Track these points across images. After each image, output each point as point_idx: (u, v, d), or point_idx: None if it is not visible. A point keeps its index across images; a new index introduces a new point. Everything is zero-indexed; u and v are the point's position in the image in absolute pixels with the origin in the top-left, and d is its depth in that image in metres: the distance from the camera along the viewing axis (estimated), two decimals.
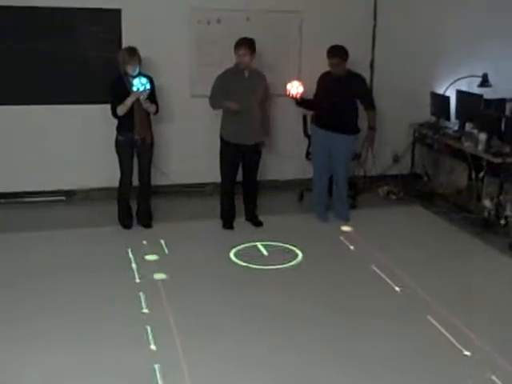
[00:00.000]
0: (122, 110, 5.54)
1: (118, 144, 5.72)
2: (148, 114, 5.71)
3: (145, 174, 5.87)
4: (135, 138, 5.64)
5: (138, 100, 5.53)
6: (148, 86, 5.52)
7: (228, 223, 6.00)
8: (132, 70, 5.54)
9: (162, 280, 4.87)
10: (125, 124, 5.63)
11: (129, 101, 5.51)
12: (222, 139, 5.88)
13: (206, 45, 6.64)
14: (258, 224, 6.06)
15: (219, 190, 6.11)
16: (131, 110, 5.56)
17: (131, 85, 5.52)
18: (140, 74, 5.58)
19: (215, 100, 5.80)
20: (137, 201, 5.94)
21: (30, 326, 4.16)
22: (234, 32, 6.56)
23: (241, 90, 5.72)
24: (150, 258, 5.29)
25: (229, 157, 5.85)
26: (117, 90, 5.60)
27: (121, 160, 5.76)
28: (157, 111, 5.78)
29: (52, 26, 6.21)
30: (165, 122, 6.46)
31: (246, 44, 5.61)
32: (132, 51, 5.56)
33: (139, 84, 5.50)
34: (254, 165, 6.02)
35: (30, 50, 6.18)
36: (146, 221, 5.92)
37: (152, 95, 5.66)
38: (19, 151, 6.37)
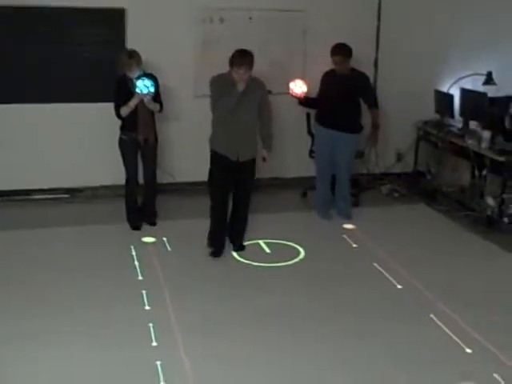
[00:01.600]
0: (125, 111, 5.52)
1: (121, 144, 5.71)
2: (152, 113, 5.68)
3: (149, 173, 5.85)
4: (138, 138, 5.63)
5: (141, 101, 5.48)
6: (152, 89, 5.42)
7: (216, 252, 5.33)
8: (131, 73, 5.49)
9: (165, 278, 4.89)
10: (128, 124, 5.60)
11: (132, 102, 5.47)
12: (212, 153, 5.30)
13: (210, 44, 6.65)
14: (240, 248, 5.50)
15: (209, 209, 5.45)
16: (135, 109, 5.53)
17: (134, 86, 5.45)
18: (144, 74, 5.52)
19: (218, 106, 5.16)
20: (142, 199, 5.94)
21: (33, 323, 4.20)
22: (237, 31, 6.61)
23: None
24: (153, 255, 5.31)
25: (220, 173, 5.26)
26: (120, 91, 5.57)
27: (125, 159, 5.74)
28: (161, 109, 5.75)
29: (56, 26, 6.24)
30: (169, 121, 6.47)
31: (248, 64, 4.97)
32: (130, 54, 5.50)
33: (142, 86, 5.39)
34: (246, 188, 5.34)
35: (35, 49, 6.22)
36: (151, 219, 5.92)
37: (156, 94, 5.61)
38: (24, 149, 6.40)
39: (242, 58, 4.97)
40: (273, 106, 6.85)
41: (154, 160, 5.86)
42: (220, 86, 5.13)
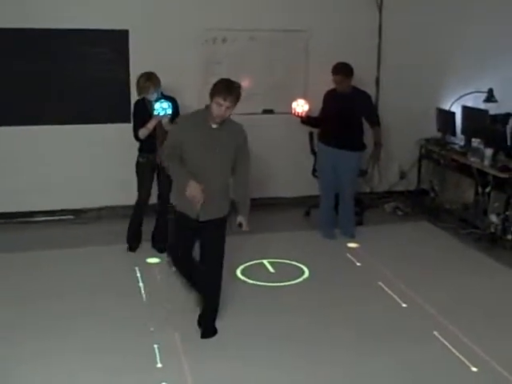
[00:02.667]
0: (143, 133, 5.50)
1: (138, 166, 5.67)
2: None
3: (165, 196, 5.73)
4: (156, 160, 5.55)
5: (160, 122, 5.46)
6: (169, 111, 5.41)
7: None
8: (150, 96, 5.49)
9: (169, 298, 4.89)
10: (146, 146, 5.57)
11: (150, 124, 5.45)
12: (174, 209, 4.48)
13: (212, 64, 6.71)
14: (208, 334, 4.36)
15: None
16: (153, 132, 5.50)
17: (152, 108, 5.45)
18: (162, 96, 5.51)
19: (169, 158, 4.20)
20: (155, 224, 5.87)
21: (37, 345, 4.20)
22: (239, 51, 6.69)
23: (202, 145, 4.13)
24: (158, 276, 5.32)
25: (181, 230, 4.45)
26: (138, 113, 5.58)
27: (139, 182, 5.70)
28: None
29: (62, 48, 6.31)
30: None
31: (235, 97, 4.06)
32: (147, 77, 5.49)
33: (160, 109, 5.39)
34: (211, 253, 4.33)
35: (42, 71, 6.28)
36: (162, 246, 5.74)
37: (175, 116, 5.50)
38: (29, 171, 6.44)
39: (229, 88, 4.04)
40: (275, 125, 6.96)
41: (170, 183, 5.72)
42: (183, 128, 4.20)
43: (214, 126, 4.14)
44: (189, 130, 4.16)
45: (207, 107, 4.12)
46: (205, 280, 4.42)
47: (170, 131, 4.51)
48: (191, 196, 4.04)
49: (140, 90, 5.54)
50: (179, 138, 4.15)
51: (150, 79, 5.49)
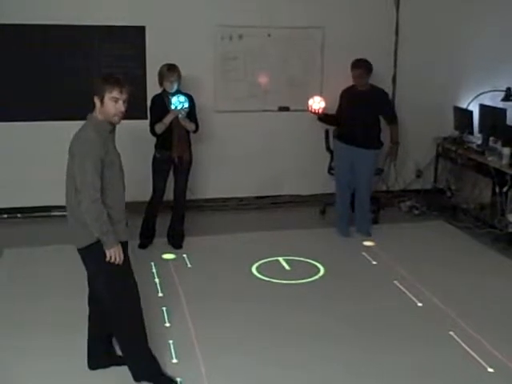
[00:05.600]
0: (160, 128, 5.47)
1: (154, 162, 5.67)
2: (187, 132, 5.61)
3: (181, 193, 5.77)
4: (173, 156, 5.57)
5: (176, 118, 5.45)
6: (186, 105, 5.41)
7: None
8: (170, 86, 5.46)
9: (185, 294, 4.90)
10: (163, 142, 5.55)
11: (167, 119, 5.43)
12: None
13: (229, 61, 6.72)
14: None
15: None
16: (170, 128, 5.48)
17: (170, 103, 5.45)
18: (179, 92, 5.50)
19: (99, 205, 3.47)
20: (171, 221, 5.88)
21: (49, 340, 4.22)
22: (256, 48, 6.70)
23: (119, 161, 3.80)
24: (173, 272, 5.33)
25: None
26: (155, 108, 5.56)
27: (154, 178, 5.70)
28: (197, 129, 5.66)
29: (80, 44, 6.35)
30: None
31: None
32: (171, 67, 5.47)
33: (177, 102, 5.39)
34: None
35: (58, 66, 6.33)
36: (178, 242, 5.84)
37: (191, 113, 5.56)
38: (46, 166, 6.46)
39: (119, 79, 3.52)
40: (291, 122, 6.95)
41: (186, 179, 5.77)
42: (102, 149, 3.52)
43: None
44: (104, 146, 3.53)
45: (91, 118, 3.55)
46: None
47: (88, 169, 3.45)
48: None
49: (162, 78, 5.50)
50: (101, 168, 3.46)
51: (173, 68, 5.48)
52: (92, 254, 3.51)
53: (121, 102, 3.49)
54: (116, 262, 3.46)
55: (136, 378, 3.70)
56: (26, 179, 6.46)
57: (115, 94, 3.46)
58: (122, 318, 3.62)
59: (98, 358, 3.85)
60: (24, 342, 4.16)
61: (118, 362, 3.84)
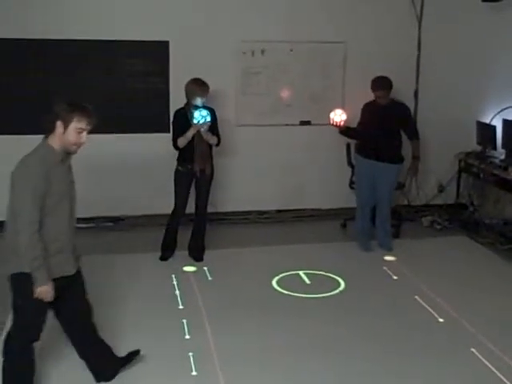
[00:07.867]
0: (182, 142, 5.52)
1: (177, 175, 5.70)
2: (209, 145, 5.65)
3: (202, 206, 5.80)
4: (195, 169, 5.61)
5: (198, 132, 5.49)
6: (208, 119, 5.44)
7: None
8: (200, 101, 5.52)
9: (205, 307, 4.92)
10: (185, 155, 5.59)
11: (189, 133, 5.47)
12: None
13: (251, 75, 6.77)
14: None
15: None
16: (192, 141, 5.53)
17: (192, 117, 5.48)
18: (202, 106, 5.53)
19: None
20: (192, 233, 5.91)
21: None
22: (278, 63, 6.75)
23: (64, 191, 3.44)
24: (194, 284, 5.35)
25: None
26: (178, 122, 5.60)
27: (177, 191, 5.72)
28: (219, 143, 5.71)
29: (104, 59, 6.44)
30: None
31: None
32: (202, 83, 5.54)
33: (199, 116, 5.43)
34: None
35: (81, 81, 6.39)
36: (199, 254, 5.87)
37: (214, 127, 5.61)
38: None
39: (89, 110, 3.48)
40: (313, 136, 6.97)
41: (207, 193, 5.79)
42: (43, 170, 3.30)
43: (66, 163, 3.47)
44: (50, 171, 3.32)
45: (43, 145, 3.36)
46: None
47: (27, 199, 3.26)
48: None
49: (193, 93, 5.53)
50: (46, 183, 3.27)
51: (205, 85, 5.55)
52: (20, 284, 3.36)
53: (84, 133, 3.37)
54: (45, 300, 3.35)
55: None
56: None
57: (82, 125, 3.35)
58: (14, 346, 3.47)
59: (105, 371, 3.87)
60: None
61: (123, 363, 3.94)
